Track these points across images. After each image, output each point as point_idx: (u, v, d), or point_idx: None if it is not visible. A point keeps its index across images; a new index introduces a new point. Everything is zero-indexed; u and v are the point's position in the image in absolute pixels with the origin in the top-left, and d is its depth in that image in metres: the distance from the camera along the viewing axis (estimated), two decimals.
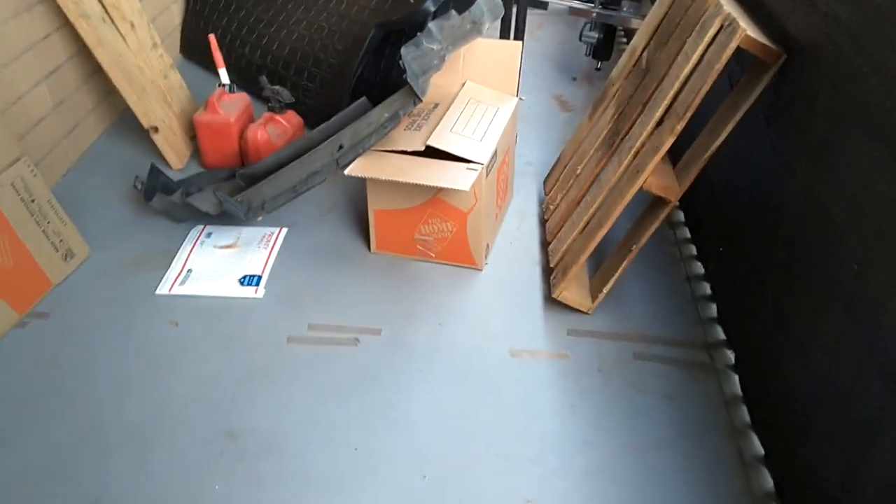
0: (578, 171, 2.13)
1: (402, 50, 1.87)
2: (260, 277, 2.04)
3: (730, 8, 1.63)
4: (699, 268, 2.10)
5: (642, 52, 2.05)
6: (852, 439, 1.20)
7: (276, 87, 2.45)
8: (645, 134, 1.79)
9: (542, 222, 2.27)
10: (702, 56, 1.65)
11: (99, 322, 1.90)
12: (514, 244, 2.20)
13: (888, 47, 1.15)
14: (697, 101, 1.61)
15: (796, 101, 1.50)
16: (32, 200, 1.97)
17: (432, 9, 2.48)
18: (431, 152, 1.95)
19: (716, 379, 1.75)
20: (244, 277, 2.04)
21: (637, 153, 1.80)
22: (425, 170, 1.92)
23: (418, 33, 1.87)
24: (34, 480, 1.50)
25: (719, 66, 1.55)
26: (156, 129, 2.43)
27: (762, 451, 1.56)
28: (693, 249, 2.17)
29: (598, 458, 1.55)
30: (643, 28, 2.07)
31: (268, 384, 1.73)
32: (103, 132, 2.72)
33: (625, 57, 2.14)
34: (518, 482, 1.50)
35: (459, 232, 2.03)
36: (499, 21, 2.24)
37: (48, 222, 2.01)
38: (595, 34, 2.91)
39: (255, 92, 2.61)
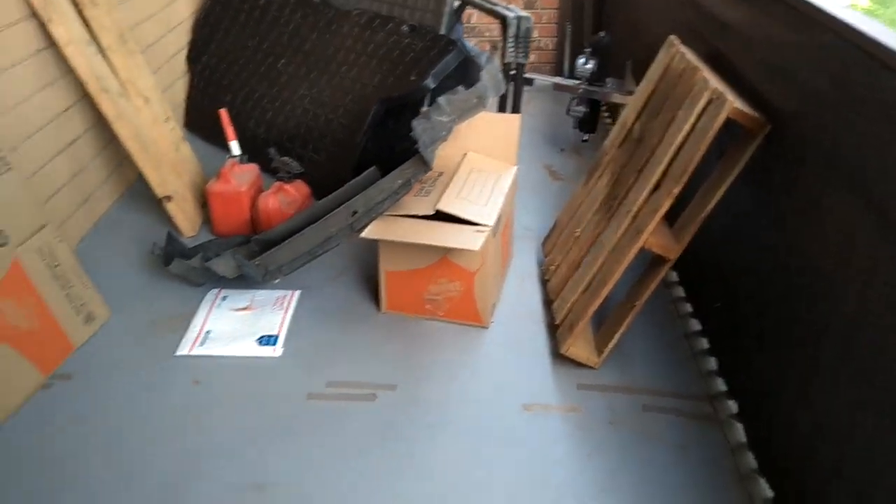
0: (577, 234, 2.26)
1: (414, 122, 2.01)
2: (277, 337, 2.11)
3: (716, 83, 1.80)
4: (696, 324, 2.21)
5: (633, 123, 2.22)
6: (857, 475, 1.30)
7: (285, 159, 2.58)
8: (642, 198, 1.93)
9: (543, 282, 2.38)
10: (693, 126, 1.81)
11: (122, 382, 1.95)
12: (516, 303, 2.31)
13: (865, 118, 1.30)
14: (692, 166, 1.76)
15: (783, 165, 1.65)
16: (57, 265, 2.05)
17: (432, 86, 2.65)
18: (440, 216, 2.08)
19: (720, 428, 1.84)
20: (262, 337, 2.11)
21: (636, 216, 1.94)
22: (436, 232, 2.04)
23: (429, 107, 2.02)
24: None
25: (711, 135, 1.71)
26: (169, 199, 2.53)
27: (771, 494, 1.64)
28: (689, 307, 2.29)
29: None
30: (633, 102, 2.25)
31: (292, 439, 1.78)
32: (114, 202, 2.81)
33: (616, 128, 2.31)
34: None
35: (467, 291, 2.13)
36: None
37: (71, 286, 2.07)
38: (582, 108, 3.11)
39: (263, 163, 2.73)
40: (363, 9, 3.06)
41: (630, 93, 2.96)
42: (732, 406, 1.89)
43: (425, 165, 2.02)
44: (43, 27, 2.27)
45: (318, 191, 2.70)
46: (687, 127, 1.83)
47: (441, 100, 2.01)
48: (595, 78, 3.04)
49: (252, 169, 2.66)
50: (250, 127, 3.07)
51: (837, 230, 1.39)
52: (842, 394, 1.35)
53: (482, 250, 2.03)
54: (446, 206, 2.07)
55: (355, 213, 2.09)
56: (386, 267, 2.16)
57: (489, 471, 1.71)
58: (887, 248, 1.24)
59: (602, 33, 3.01)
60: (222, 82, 3.28)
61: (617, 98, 3.05)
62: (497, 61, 2.23)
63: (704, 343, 2.14)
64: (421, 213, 2.08)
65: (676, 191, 1.79)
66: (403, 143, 2.83)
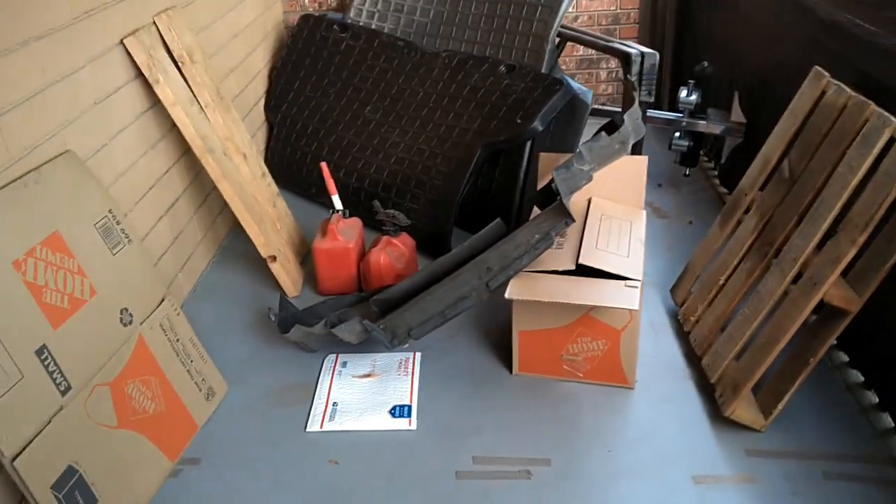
0: (721, 282, 2.10)
1: (554, 172, 1.88)
2: (410, 407, 1.97)
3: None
4: (857, 375, 2.04)
5: (778, 161, 2.07)
6: None
7: (391, 211, 2.46)
8: (811, 245, 1.77)
9: (681, 334, 2.23)
10: (872, 166, 1.66)
11: (254, 464, 1.82)
12: (656, 358, 2.15)
13: None
14: (881, 212, 1.60)
15: None
16: (177, 340, 1.94)
17: (540, 128, 2.53)
18: (580, 270, 1.93)
19: None
20: (394, 409, 1.97)
21: (805, 264, 1.78)
22: (584, 289, 1.90)
23: (571, 155, 1.89)
24: None
25: None
26: (274, 259, 2.42)
27: None
28: (843, 356, 2.11)
29: None
30: (776, 138, 2.10)
31: None
32: (209, 263, 2.71)
33: (756, 167, 2.16)
34: None
35: (612, 350, 1.98)
36: None
37: (191, 361, 1.96)
38: (685, 142, 2.96)
39: (361, 215, 2.62)
40: (452, 50, 2.96)
41: (740, 124, 2.82)
42: None
43: (567, 217, 1.88)
44: (146, 87, 2.19)
45: (419, 243, 2.58)
46: (863, 168, 1.67)
47: (583, 148, 1.89)
48: (698, 110, 2.90)
49: (356, 223, 2.55)
50: (340, 177, 2.96)
51: None
52: None
53: (628, 308, 1.89)
54: (589, 261, 1.93)
55: (489, 269, 1.95)
56: (520, 326, 2.02)
57: None
58: None
59: (705, 63, 2.87)
60: (306, 131, 3.19)
61: (718, 129, 2.90)
62: (637, 104, 2.10)
63: (872, 397, 1.96)
64: (561, 269, 1.94)
65: (862, 240, 1.63)
66: (504, 190, 2.73)
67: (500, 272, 1.94)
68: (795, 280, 1.81)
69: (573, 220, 1.89)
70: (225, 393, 2.06)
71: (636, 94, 2.20)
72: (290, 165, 3.21)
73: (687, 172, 3.11)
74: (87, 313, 1.65)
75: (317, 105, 3.20)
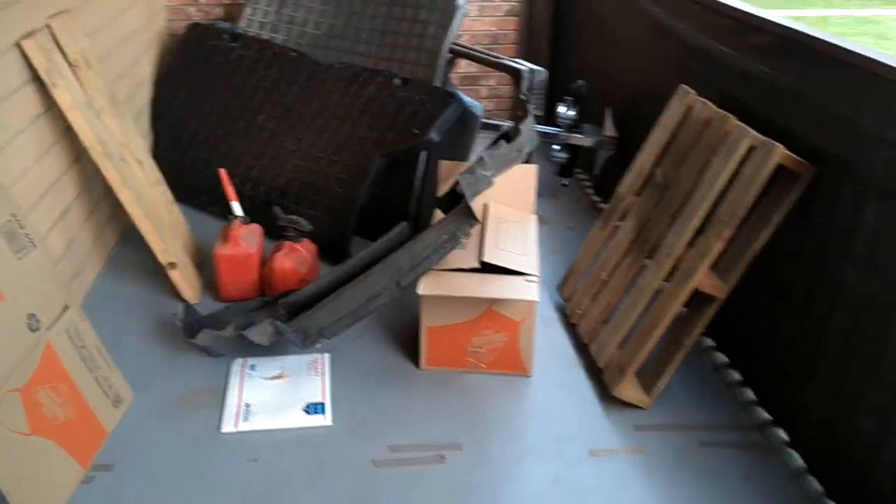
0: (605, 278, 2.32)
1: (460, 177, 2.03)
2: (324, 405, 2.04)
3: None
4: (722, 357, 2.31)
5: (651, 169, 2.32)
6: None
7: (293, 217, 2.51)
8: (683, 241, 2.01)
9: (569, 327, 2.42)
10: (734, 172, 1.92)
11: (170, 467, 1.83)
12: (548, 349, 2.33)
13: None
14: (742, 211, 1.86)
15: (837, 202, 1.77)
16: (83, 346, 1.90)
17: (437, 139, 2.67)
18: (483, 269, 2.09)
19: (776, 456, 1.92)
20: (309, 406, 2.03)
21: (678, 259, 2.02)
22: (489, 284, 2.05)
23: (474, 162, 2.04)
24: None
25: (762, 180, 1.82)
26: (174, 265, 2.41)
27: None
28: (710, 341, 2.38)
29: None
30: (649, 149, 2.34)
31: None
32: (98, 273, 2.63)
33: (632, 174, 2.40)
34: None
35: (512, 341, 2.14)
36: None
37: (98, 368, 1.93)
38: (563, 154, 3.20)
39: (256, 222, 2.64)
40: (347, 63, 3.05)
41: (612, 138, 3.09)
42: (781, 434, 1.99)
43: (471, 219, 2.02)
44: (42, 90, 2.13)
45: (319, 250, 2.64)
46: (726, 173, 1.93)
47: (485, 154, 2.04)
48: (575, 125, 3.15)
49: (256, 229, 2.57)
50: (234, 185, 2.96)
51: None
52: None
53: (530, 300, 2.06)
54: (492, 258, 2.08)
55: (399, 268, 2.06)
56: (428, 322, 2.14)
57: None
58: None
59: (581, 82, 3.13)
60: (195, 139, 3.16)
61: (590, 142, 3.16)
62: (531, 117, 2.28)
63: (736, 375, 2.24)
64: (466, 267, 2.08)
65: (728, 234, 1.88)
66: (399, 198, 2.84)
67: (411, 271, 2.05)
68: (671, 273, 2.04)
69: (478, 222, 2.04)
70: (131, 400, 2.03)
71: (529, 108, 2.39)
72: (178, 174, 3.15)
73: (565, 182, 3.35)
74: None
75: (206, 113, 3.19)
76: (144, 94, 3.23)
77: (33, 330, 1.73)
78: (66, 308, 1.87)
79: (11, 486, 1.53)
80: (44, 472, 1.65)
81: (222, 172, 2.56)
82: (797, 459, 1.91)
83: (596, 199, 3.40)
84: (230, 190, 2.55)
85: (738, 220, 1.87)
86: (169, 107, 3.26)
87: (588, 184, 3.53)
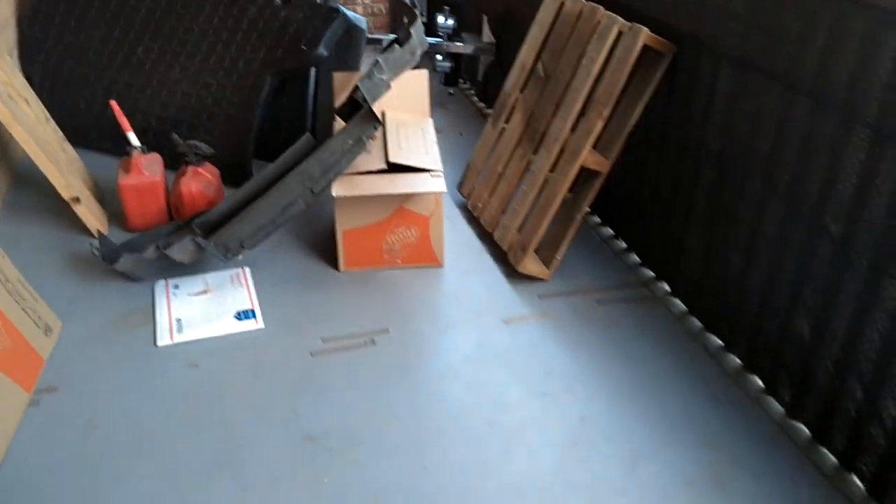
0: (500, 170, 2.51)
1: (359, 83, 2.13)
2: (253, 311, 2.15)
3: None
4: (608, 231, 2.58)
5: (533, 65, 2.51)
6: (781, 302, 1.70)
7: (193, 142, 2.54)
8: (568, 125, 2.23)
9: (472, 220, 2.62)
10: (608, 57, 2.13)
11: (113, 382, 1.89)
12: (456, 241, 2.52)
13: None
14: (618, 90, 2.08)
15: (697, 74, 2.01)
16: (7, 280, 1.92)
17: (325, 54, 2.74)
18: (390, 169, 2.23)
19: (661, 305, 2.22)
20: (239, 313, 2.13)
21: (565, 142, 2.23)
22: (398, 182, 2.19)
23: (371, 67, 2.15)
24: None
25: (631, 61, 2.04)
26: (77, 200, 2.40)
27: (721, 343, 2.04)
28: (596, 218, 2.65)
29: (612, 376, 1.93)
30: (528, 46, 2.53)
31: (316, 392, 1.87)
32: None
33: (515, 72, 2.58)
34: (561, 409, 1.83)
35: (423, 235, 2.31)
36: None
37: (24, 300, 1.95)
38: (448, 64, 3.34)
39: (157, 149, 2.65)
40: None
41: (491, 44, 3.26)
42: (664, 286, 2.28)
43: (374, 121, 2.14)
44: None
45: (222, 170, 2.69)
46: (601, 58, 2.14)
47: (380, 58, 2.14)
48: (454, 34, 3.28)
49: (156, 158, 2.58)
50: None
51: (769, 116, 1.75)
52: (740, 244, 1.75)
53: (437, 193, 2.22)
54: (398, 158, 2.22)
55: (311, 176, 2.16)
56: (344, 226, 2.27)
57: (503, 373, 1.94)
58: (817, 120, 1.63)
59: None
60: (73, 78, 3.07)
61: (471, 49, 3.32)
62: (419, 21, 2.39)
63: (621, 244, 2.52)
64: (375, 168, 2.21)
65: (607, 113, 2.11)
66: (292, 117, 2.90)
67: (322, 177, 2.16)
68: (559, 156, 2.26)
69: (381, 124, 2.17)
70: (60, 329, 2.06)
71: (416, 11, 2.49)
72: (62, 117, 3.06)
73: (451, 91, 3.50)
74: None
75: (82, 50, 3.09)
76: (9, 37, 3.08)
77: None
78: None
79: None
80: None
81: (113, 104, 2.53)
82: (679, 305, 2.22)
83: (481, 105, 3.58)
84: (124, 121, 2.53)
85: (615, 99, 2.09)
86: (40, 48, 3.13)
87: (472, 92, 3.70)
